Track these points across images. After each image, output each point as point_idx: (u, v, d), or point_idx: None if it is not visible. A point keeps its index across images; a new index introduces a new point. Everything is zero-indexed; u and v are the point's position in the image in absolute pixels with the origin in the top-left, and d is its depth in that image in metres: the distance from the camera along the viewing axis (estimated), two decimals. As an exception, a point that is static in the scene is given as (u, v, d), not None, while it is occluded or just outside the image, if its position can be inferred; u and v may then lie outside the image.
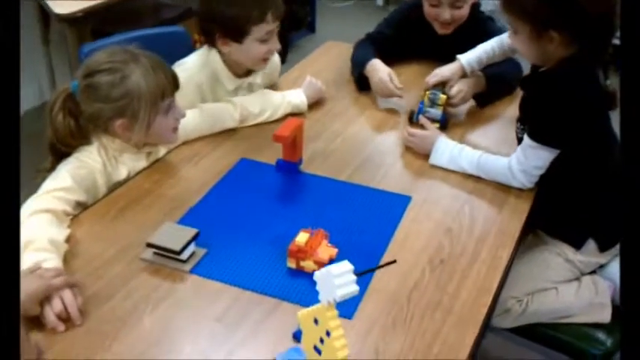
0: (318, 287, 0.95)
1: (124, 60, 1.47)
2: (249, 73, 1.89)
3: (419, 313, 1.23)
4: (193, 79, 1.79)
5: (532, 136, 1.52)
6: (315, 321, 0.98)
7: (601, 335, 1.61)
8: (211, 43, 1.81)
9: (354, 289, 0.94)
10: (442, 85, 1.88)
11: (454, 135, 1.80)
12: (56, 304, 1.15)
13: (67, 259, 1.30)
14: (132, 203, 1.50)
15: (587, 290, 1.62)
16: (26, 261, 1.22)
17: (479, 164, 1.62)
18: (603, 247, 1.62)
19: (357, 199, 1.55)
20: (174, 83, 1.55)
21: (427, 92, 1.87)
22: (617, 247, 1.63)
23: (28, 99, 3.32)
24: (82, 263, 1.31)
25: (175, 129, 1.60)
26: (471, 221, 1.49)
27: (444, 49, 2.01)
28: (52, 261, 1.23)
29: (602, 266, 1.67)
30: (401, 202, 1.54)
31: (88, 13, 2.60)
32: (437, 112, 1.85)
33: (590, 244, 1.61)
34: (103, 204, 1.49)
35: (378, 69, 1.97)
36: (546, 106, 1.50)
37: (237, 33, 1.75)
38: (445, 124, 1.86)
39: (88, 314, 1.19)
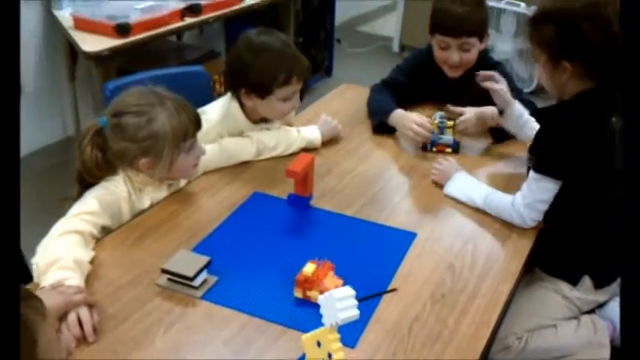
0: (321, 310, 1.02)
1: (151, 103, 1.56)
2: (267, 119, 1.98)
3: (419, 345, 1.28)
4: (215, 129, 1.88)
5: (537, 169, 1.59)
6: (318, 344, 1.03)
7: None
8: (235, 95, 1.90)
9: (355, 313, 1.00)
10: (447, 113, 2.01)
11: (472, 169, 1.89)
12: (72, 320, 1.22)
13: (88, 280, 1.37)
14: (149, 231, 1.57)
15: (586, 329, 1.66)
16: (51, 278, 1.30)
17: (486, 199, 1.69)
18: (599, 285, 1.66)
19: (364, 234, 1.62)
20: (196, 124, 1.64)
21: (435, 122, 1.98)
22: (614, 285, 1.67)
23: (53, 132, 3.45)
24: (101, 285, 1.38)
25: (196, 165, 1.69)
26: (472, 258, 1.54)
27: (454, 93, 2.10)
28: (75, 279, 1.31)
29: (600, 306, 1.71)
30: (406, 237, 1.60)
31: (115, 52, 2.72)
32: (448, 137, 1.99)
33: (586, 281, 1.65)
34: (122, 231, 1.56)
35: (405, 117, 2.04)
36: (551, 137, 1.58)
37: (261, 92, 1.84)
38: (457, 149, 2.00)
39: (104, 334, 1.25)
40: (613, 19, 1.49)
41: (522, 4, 4.20)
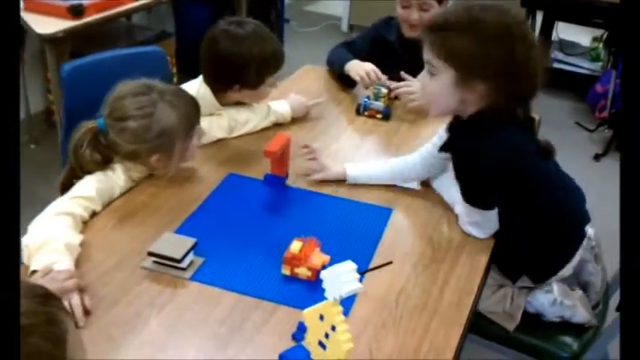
0: (324, 285, 1.04)
1: (152, 101, 1.55)
2: (237, 102, 1.98)
3: (407, 315, 1.33)
4: None
5: (466, 200, 1.55)
6: (321, 317, 1.06)
7: (568, 339, 1.69)
8: (223, 89, 1.90)
9: (358, 286, 1.03)
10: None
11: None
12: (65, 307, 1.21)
13: (76, 263, 1.36)
14: (129, 215, 1.56)
15: (559, 295, 1.71)
16: (40, 260, 1.30)
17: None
18: (537, 281, 1.63)
19: (342, 211, 1.65)
20: (197, 109, 1.66)
21: (372, 87, 2.14)
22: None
23: None
24: (88, 269, 1.37)
25: (199, 144, 1.73)
26: (449, 231, 1.60)
27: (411, 64, 2.19)
28: (65, 263, 1.30)
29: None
30: (383, 213, 1.65)
31: (69, 34, 2.65)
32: (380, 104, 2.14)
33: (525, 280, 1.62)
34: (103, 214, 1.55)
35: (359, 65, 2.23)
36: (471, 169, 1.51)
37: (257, 84, 1.88)
38: (387, 116, 2.14)
39: (97, 318, 1.25)
40: (529, 35, 1.41)
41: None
